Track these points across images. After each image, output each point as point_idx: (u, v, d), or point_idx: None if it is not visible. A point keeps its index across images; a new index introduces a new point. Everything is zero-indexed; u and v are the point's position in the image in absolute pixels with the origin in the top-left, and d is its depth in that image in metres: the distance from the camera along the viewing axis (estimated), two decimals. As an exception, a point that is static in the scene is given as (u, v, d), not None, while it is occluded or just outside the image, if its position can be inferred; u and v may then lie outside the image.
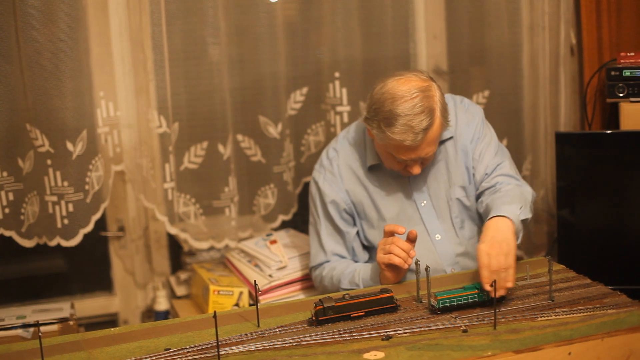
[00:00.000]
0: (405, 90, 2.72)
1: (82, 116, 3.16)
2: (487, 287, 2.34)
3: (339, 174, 2.99)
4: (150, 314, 3.64)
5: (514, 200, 2.65)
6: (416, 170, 2.82)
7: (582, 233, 3.46)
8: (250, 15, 3.42)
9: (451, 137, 2.94)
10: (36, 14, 3.03)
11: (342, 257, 3.00)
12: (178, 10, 3.33)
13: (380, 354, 2.08)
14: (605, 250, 3.45)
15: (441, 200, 2.94)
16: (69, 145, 3.13)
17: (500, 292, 2.35)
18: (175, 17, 3.33)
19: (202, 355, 2.14)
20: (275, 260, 3.27)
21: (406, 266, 2.61)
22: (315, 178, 3.05)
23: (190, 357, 2.14)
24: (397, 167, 2.85)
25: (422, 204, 2.94)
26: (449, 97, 2.97)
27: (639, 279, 3.39)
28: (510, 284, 2.37)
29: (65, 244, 3.22)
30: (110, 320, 3.66)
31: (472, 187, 2.95)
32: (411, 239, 2.64)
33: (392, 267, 2.65)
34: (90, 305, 3.64)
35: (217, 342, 2.12)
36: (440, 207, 2.94)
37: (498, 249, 2.40)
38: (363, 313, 2.33)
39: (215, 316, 2.10)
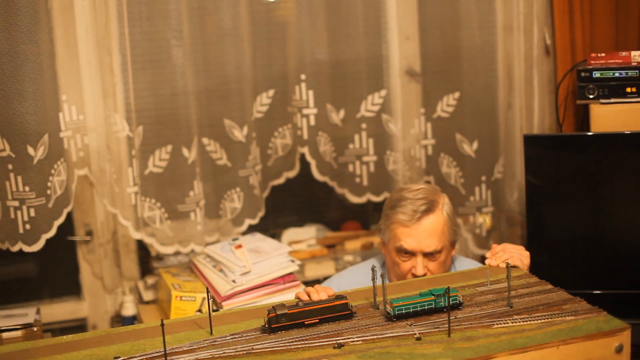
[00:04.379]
0: (414, 187, 3.05)
1: (43, 120, 3.12)
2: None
3: None
4: (119, 318, 3.61)
5: None
6: (420, 269, 2.90)
7: (551, 236, 3.45)
8: (214, 17, 3.40)
9: None
10: (-6, 17, 3.00)
11: None
12: (141, 13, 3.30)
13: (331, 363, 2.05)
14: (575, 254, 3.43)
15: None
16: (30, 150, 3.09)
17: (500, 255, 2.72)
18: (138, 20, 3.30)
19: (151, 365, 2.11)
20: (239, 266, 3.24)
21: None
22: None
23: (138, 366, 2.11)
24: (405, 269, 2.93)
25: None
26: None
27: (607, 282, 3.37)
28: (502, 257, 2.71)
29: (27, 249, 3.17)
30: (79, 326, 3.63)
31: None
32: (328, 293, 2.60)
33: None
34: (59, 310, 3.61)
35: (165, 350, 2.08)
36: None
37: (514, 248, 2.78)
38: (317, 320, 2.30)
39: (162, 324, 2.06)
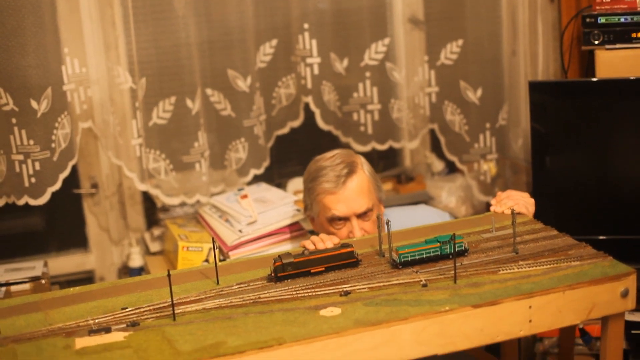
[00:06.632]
0: (328, 154, 2.99)
1: (46, 73, 3.11)
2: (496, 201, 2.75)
3: None
4: (127, 270, 3.62)
5: None
6: (357, 232, 2.86)
7: (556, 182, 3.44)
8: (215, -34, 3.38)
9: None
10: (-5, -30, 2.98)
11: None
12: (141, -37, 3.28)
13: (337, 310, 2.06)
14: (581, 200, 3.44)
15: None
16: (33, 103, 3.08)
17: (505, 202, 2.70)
18: (138, -30, 3.28)
19: (158, 314, 2.12)
20: (245, 215, 3.25)
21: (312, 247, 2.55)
22: None
23: (146, 316, 2.12)
24: (342, 237, 2.86)
25: None
26: (437, 213, 3.20)
27: (613, 228, 3.38)
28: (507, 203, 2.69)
29: (33, 202, 3.18)
30: (87, 278, 3.65)
31: None
32: (334, 242, 2.59)
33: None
34: (66, 263, 3.63)
35: (172, 300, 2.10)
36: None
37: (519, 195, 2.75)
38: (323, 268, 2.31)
39: (169, 275, 2.07)
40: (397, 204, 3.50)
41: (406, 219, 2.97)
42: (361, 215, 2.88)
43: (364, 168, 2.94)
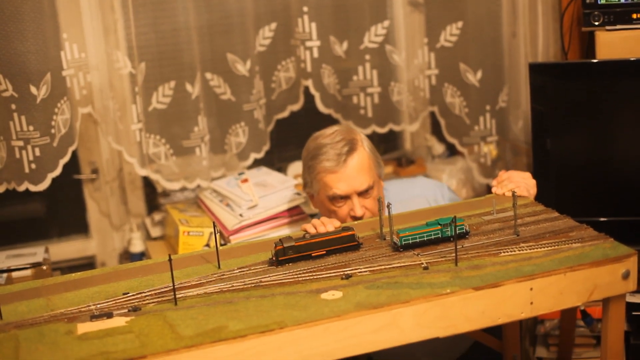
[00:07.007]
0: (327, 131, 2.97)
1: (45, 59, 3.09)
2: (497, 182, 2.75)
3: None
4: (128, 255, 3.63)
5: None
6: (358, 210, 2.83)
7: (557, 164, 3.44)
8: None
9: None
10: (-8, -45, 2.97)
11: None
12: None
13: (339, 294, 2.06)
14: (581, 181, 3.43)
15: None
16: (33, 89, 3.07)
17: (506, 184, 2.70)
18: (137, -47, 3.27)
19: (160, 299, 2.12)
20: (245, 200, 3.25)
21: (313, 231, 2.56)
22: None
23: (147, 301, 2.12)
24: (343, 214, 2.86)
25: None
26: (435, 184, 3.17)
27: (614, 209, 3.37)
28: (508, 186, 2.69)
29: (33, 188, 3.17)
30: (88, 263, 3.65)
31: None
32: (335, 225, 2.59)
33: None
34: (67, 249, 3.63)
35: (174, 285, 2.10)
36: None
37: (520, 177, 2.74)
38: (324, 252, 2.31)
39: (170, 259, 2.07)
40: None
41: (405, 191, 2.98)
42: (362, 193, 2.86)
43: (364, 145, 2.92)
